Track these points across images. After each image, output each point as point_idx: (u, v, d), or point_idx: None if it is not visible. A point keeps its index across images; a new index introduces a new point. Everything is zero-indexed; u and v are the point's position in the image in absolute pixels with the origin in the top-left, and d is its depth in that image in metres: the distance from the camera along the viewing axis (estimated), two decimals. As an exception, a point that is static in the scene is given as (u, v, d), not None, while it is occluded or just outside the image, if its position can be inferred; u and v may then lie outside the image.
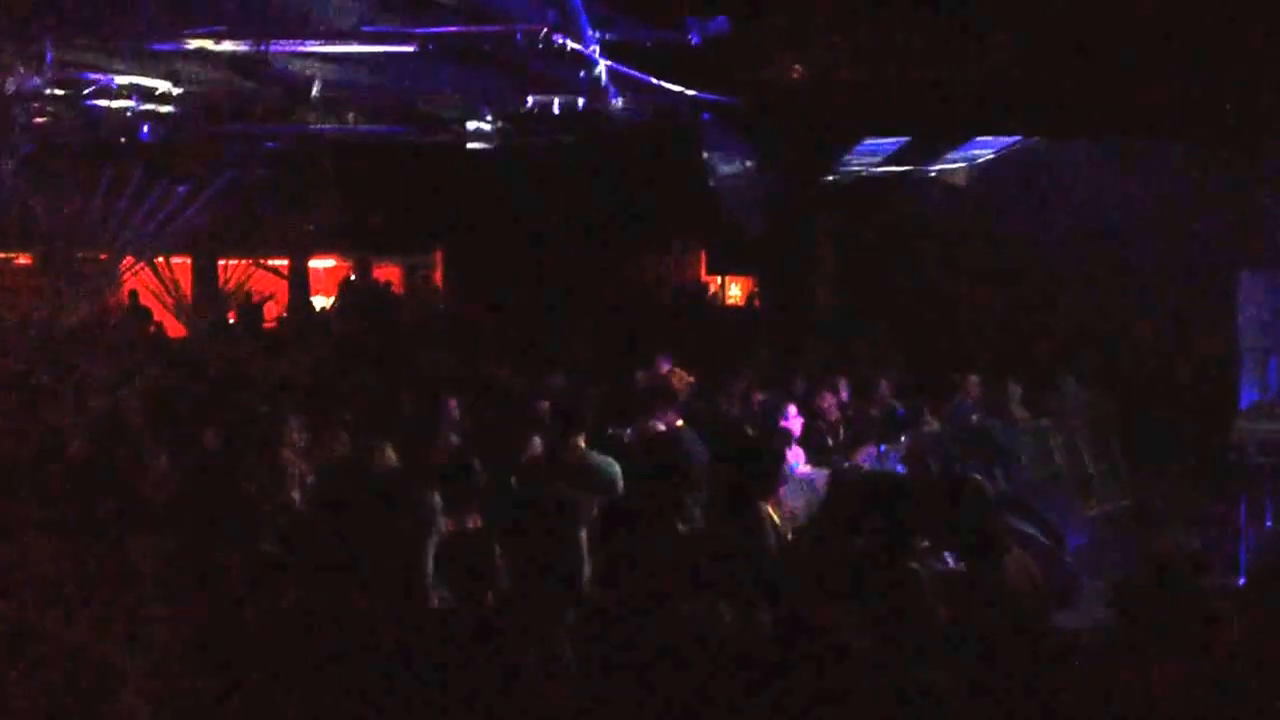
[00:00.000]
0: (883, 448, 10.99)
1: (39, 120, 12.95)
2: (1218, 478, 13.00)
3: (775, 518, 6.81)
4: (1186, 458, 13.54)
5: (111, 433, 9.38)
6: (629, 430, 10.01)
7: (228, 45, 10.69)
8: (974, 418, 12.64)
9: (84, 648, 4.43)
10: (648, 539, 5.54)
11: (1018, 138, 15.60)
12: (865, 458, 10.74)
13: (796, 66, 11.92)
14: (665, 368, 13.11)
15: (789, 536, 6.86)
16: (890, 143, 15.73)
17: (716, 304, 23.29)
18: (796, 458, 10.46)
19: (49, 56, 11.30)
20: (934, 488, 6.27)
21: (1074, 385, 14.22)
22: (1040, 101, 13.36)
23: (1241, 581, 11.50)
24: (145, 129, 13.09)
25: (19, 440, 9.08)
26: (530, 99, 12.92)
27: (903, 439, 11.24)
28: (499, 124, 13.58)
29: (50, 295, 16.09)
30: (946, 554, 10.45)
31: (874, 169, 17.27)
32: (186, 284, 20.46)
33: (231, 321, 19.80)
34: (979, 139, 15.74)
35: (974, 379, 13.44)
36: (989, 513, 5.88)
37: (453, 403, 10.62)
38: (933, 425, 12.45)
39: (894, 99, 13.38)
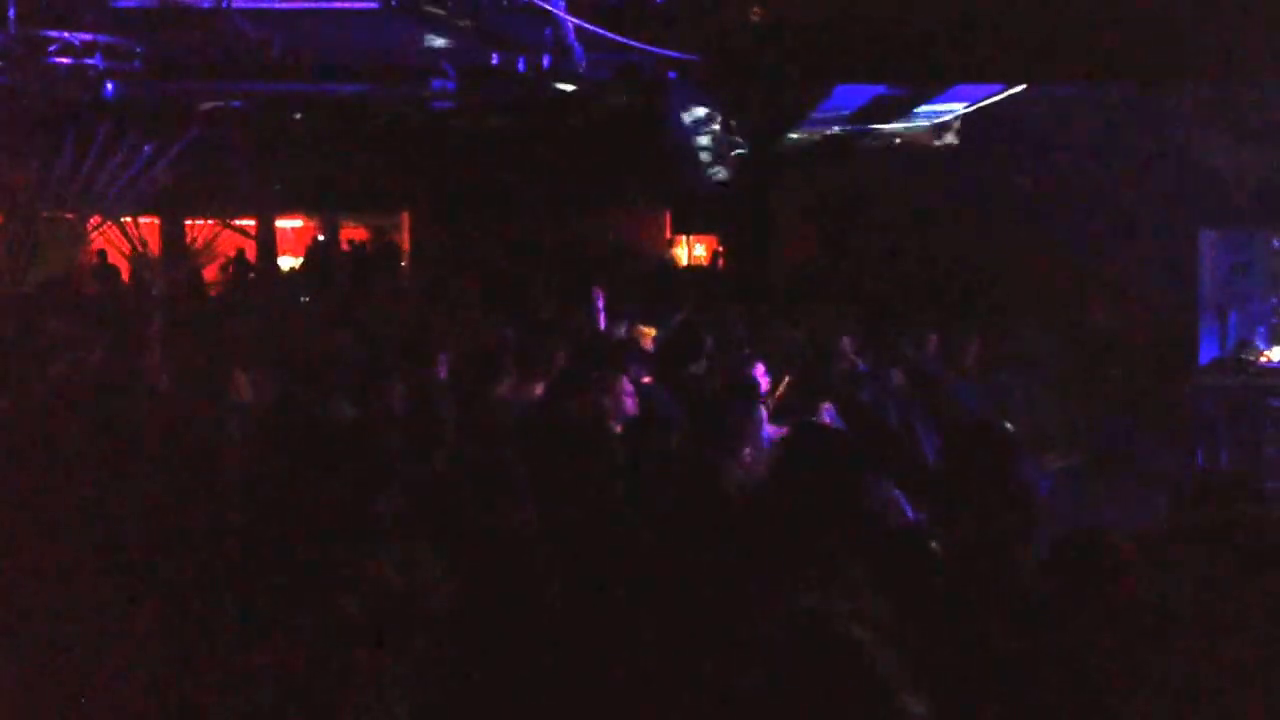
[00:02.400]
0: (846, 404, 11.03)
1: (1, 79, 12.91)
2: (1176, 432, 13.17)
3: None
4: (1145, 412, 13.68)
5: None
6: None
7: (191, 2, 10.71)
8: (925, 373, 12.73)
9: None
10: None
11: (986, 93, 15.62)
12: (826, 414, 10.79)
13: (756, 10, 11.87)
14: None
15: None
16: (854, 99, 15.76)
17: (675, 265, 23.37)
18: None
19: (12, 14, 11.30)
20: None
21: (1033, 339, 14.34)
22: (1013, 47, 13.31)
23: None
24: (109, 87, 13.06)
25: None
26: (494, 57, 12.92)
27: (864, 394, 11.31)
28: (463, 82, 13.59)
29: (16, 255, 16.07)
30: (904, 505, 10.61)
31: (838, 128, 17.32)
32: (155, 244, 20.45)
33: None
34: (947, 95, 15.77)
35: (933, 336, 13.55)
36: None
37: (443, 356, 10.54)
38: (899, 380, 12.56)
39: (859, 47, 13.34)
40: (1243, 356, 13.87)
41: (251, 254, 21.74)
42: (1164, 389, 13.76)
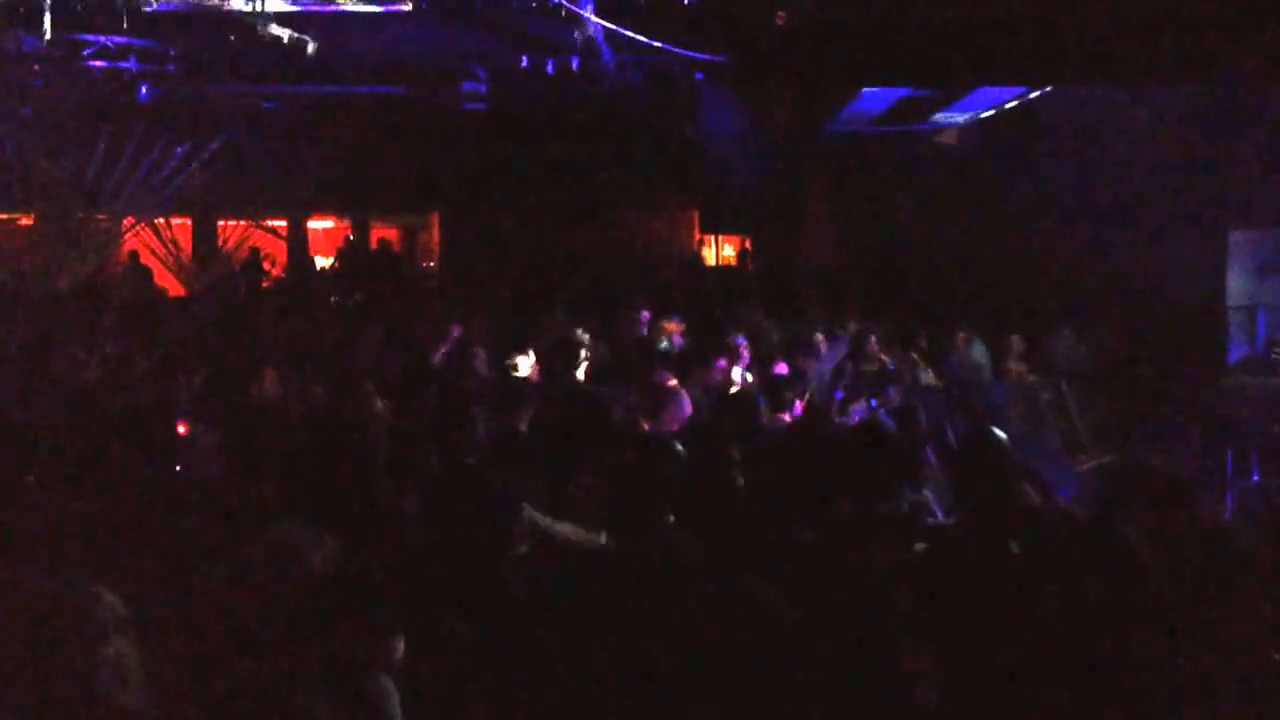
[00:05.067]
0: (874, 403, 11.07)
1: (38, 82, 13.07)
2: (1205, 432, 13.12)
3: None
4: (1175, 412, 13.64)
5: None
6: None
7: (224, 6, 10.84)
8: (960, 373, 12.76)
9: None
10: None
11: (1013, 94, 15.63)
12: (856, 413, 10.82)
13: (783, 13, 11.91)
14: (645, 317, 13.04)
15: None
16: (882, 100, 15.79)
17: (703, 265, 23.39)
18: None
19: (48, 18, 11.45)
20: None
21: (1064, 341, 14.34)
22: (1039, 49, 13.30)
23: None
24: (143, 90, 13.19)
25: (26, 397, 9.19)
26: (524, 59, 13.02)
27: (892, 394, 11.34)
28: (493, 84, 13.69)
29: (51, 255, 16.22)
30: (935, 507, 10.64)
31: (866, 127, 17.33)
32: (187, 245, 20.59)
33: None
34: (974, 96, 15.78)
35: (961, 335, 13.58)
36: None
37: (481, 353, 10.59)
38: (928, 378, 12.61)
39: (886, 49, 13.36)
40: (1273, 355, 13.84)
41: (282, 255, 21.84)
42: (1194, 388, 13.72)
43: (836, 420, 10.51)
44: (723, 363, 10.20)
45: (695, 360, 10.15)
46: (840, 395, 10.66)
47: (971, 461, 5.71)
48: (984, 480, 5.54)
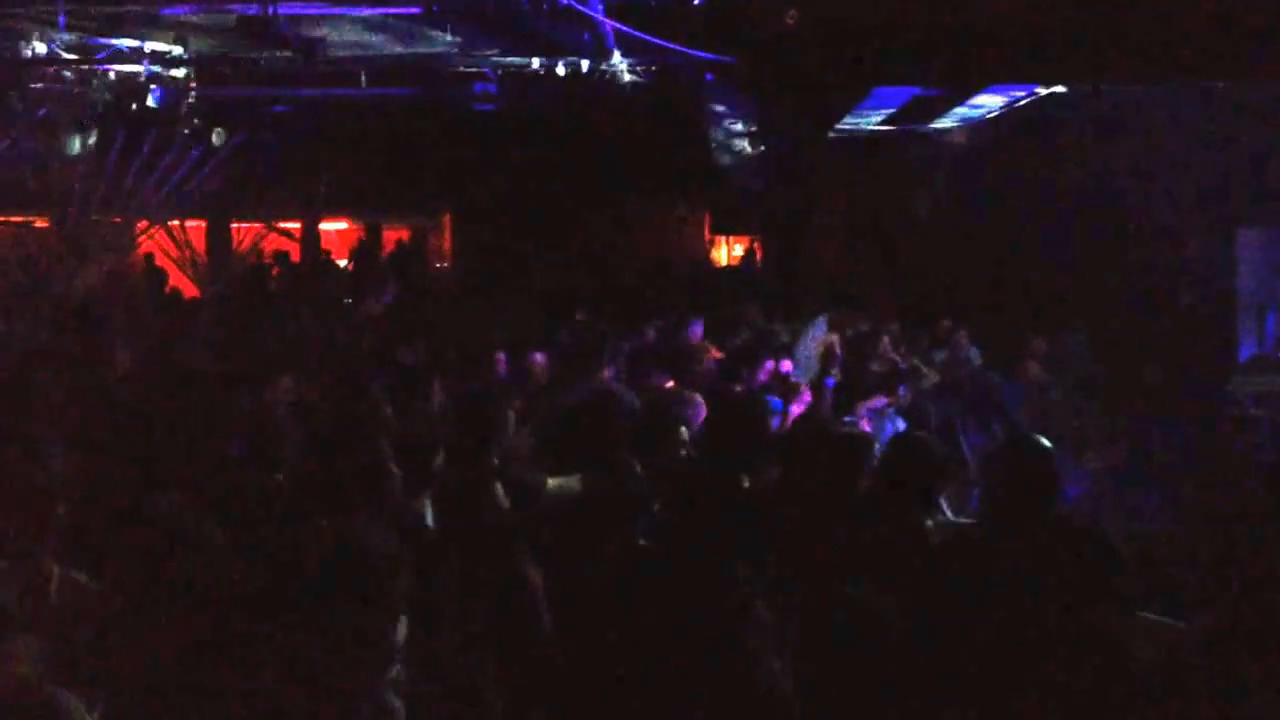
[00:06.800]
0: (882, 402, 11.09)
1: (52, 85, 13.13)
2: (1216, 430, 13.14)
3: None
4: (1185, 411, 13.66)
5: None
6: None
7: (235, 8, 10.89)
8: (961, 372, 12.81)
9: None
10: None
11: (1022, 92, 15.62)
12: (866, 412, 10.84)
13: (793, 13, 11.92)
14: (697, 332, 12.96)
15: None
16: (892, 99, 15.80)
17: (712, 266, 23.43)
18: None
19: (61, 21, 11.51)
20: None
21: (1075, 340, 14.36)
22: (1049, 47, 13.29)
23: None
24: (156, 93, 13.25)
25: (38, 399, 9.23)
26: (535, 61, 13.05)
27: (902, 393, 11.37)
28: (504, 85, 13.72)
29: (67, 258, 16.29)
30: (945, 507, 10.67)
31: (876, 127, 17.34)
32: (201, 247, 20.68)
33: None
34: (983, 94, 15.78)
35: (962, 334, 13.62)
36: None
37: (501, 356, 10.69)
38: (933, 378, 12.66)
39: (896, 48, 13.35)
40: (1283, 354, 13.88)
41: (295, 256, 21.90)
42: (1204, 387, 13.74)
43: (845, 419, 10.52)
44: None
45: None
46: (831, 382, 10.66)
47: (1009, 467, 5.67)
48: (1021, 487, 5.53)
